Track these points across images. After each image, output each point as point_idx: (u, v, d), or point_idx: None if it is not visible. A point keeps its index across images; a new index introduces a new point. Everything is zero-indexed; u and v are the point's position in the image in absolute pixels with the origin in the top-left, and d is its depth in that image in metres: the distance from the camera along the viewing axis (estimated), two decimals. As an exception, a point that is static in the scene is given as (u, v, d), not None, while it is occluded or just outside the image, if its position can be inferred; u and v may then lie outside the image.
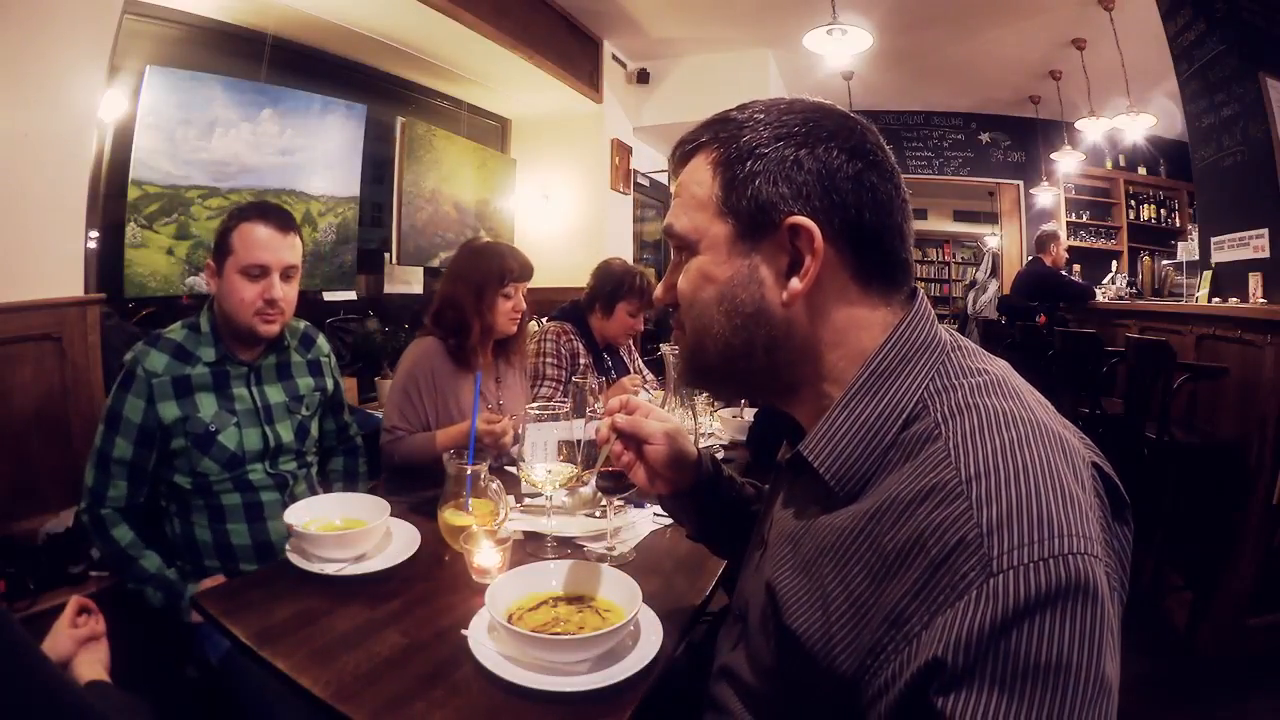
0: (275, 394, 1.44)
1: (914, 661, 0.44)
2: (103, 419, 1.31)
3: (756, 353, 0.62)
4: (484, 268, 1.71)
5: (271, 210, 1.39)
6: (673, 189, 0.69)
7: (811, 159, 0.59)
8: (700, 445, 0.90)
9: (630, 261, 2.63)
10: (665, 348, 1.51)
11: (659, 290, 0.71)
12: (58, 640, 0.94)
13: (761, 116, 0.61)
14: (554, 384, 2.23)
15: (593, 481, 1.00)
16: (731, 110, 0.64)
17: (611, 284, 2.33)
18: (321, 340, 1.59)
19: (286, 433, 1.44)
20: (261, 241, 1.34)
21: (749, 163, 0.60)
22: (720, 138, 0.63)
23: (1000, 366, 0.59)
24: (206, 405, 1.34)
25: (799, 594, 0.57)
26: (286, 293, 1.38)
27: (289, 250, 1.38)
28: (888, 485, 0.53)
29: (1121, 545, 0.51)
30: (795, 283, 0.60)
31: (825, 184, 0.58)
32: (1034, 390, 0.58)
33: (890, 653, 0.46)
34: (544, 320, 2.61)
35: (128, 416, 1.29)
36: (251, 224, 1.34)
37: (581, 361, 2.32)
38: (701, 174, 0.63)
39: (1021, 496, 0.45)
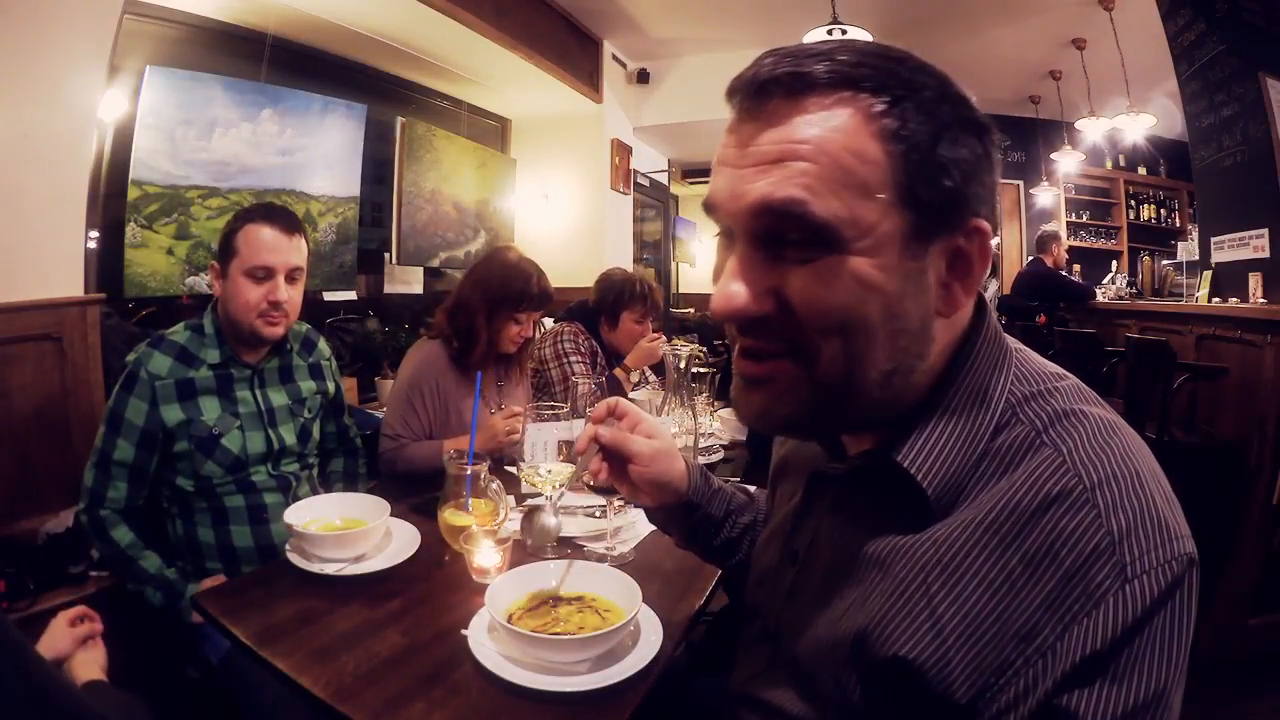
0: (278, 397, 1.44)
1: (1049, 675, 0.44)
2: (104, 420, 1.31)
3: (895, 379, 0.51)
4: (505, 284, 1.68)
5: (277, 212, 1.39)
6: (761, 140, 0.47)
7: (982, 147, 0.49)
8: (700, 445, 0.89)
9: (630, 263, 2.63)
10: (665, 347, 1.51)
11: (743, 297, 0.49)
12: (56, 637, 0.94)
13: (926, 74, 0.48)
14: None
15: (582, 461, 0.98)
16: (867, 44, 0.49)
17: (613, 294, 2.33)
18: (323, 343, 1.60)
19: (289, 435, 1.44)
20: (266, 243, 1.33)
21: (946, 140, 0.47)
22: (888, 87, 0.46)
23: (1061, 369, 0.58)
24: (210, 409, 1.34)
25: (900, 620, 0.50)
26: (291, 295, 1.37)
27: (294, 252, 1.37)
28: (992, 496, 0.49)
29: None
30: (960, 292, 0.50)
31: (991, 181, 0.50)
32: None
33: (1020, 668, 0.45)
34: (549, 321, 2.61)
35: (129, 419, 1.29)
36: (256, 226, 1.34)
37: (599, 358, 2.32)
38: (856, 137, 0.46)
39: (1142, 502, 0.46)
